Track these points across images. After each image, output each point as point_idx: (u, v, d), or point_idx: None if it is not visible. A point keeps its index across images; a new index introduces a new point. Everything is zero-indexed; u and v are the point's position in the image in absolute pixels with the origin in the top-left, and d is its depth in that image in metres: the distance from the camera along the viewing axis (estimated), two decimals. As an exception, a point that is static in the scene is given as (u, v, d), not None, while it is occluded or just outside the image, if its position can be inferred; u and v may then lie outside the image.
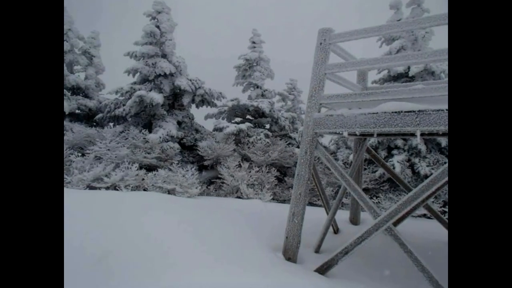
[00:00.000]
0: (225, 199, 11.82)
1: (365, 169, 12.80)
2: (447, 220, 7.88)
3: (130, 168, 11.45)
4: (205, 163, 15.06)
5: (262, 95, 18.38)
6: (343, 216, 9.77)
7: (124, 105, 15.55)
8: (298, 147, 16.76)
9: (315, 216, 8.96)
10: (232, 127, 15.50)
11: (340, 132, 6.44)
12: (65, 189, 9.32)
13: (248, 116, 18.35)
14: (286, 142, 16.82)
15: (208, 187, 13.89)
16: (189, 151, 16.23)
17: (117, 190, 10.80)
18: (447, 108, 4.69)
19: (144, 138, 13.61)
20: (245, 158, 15.28)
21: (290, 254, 6.46)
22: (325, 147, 15.19)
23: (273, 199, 13.38)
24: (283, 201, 13.70)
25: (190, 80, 15.84)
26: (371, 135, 7.76)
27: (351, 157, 12.62)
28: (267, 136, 16.44)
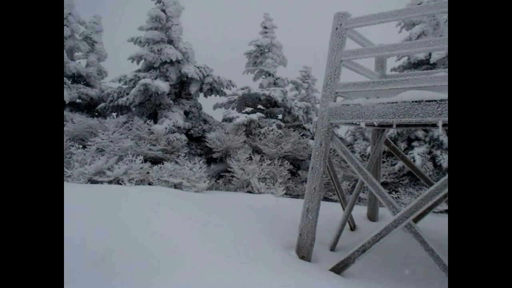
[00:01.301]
0: (235, 193, 11.87)
1: (383, 162, 12.71)
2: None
3: (134, 161, 11.52)
4: (214, 155, 15.08)
5: (274, 84, 18.27)
6: (360, 212, 9.73)
7: (127, 94, 15.59)
8: (312, 138, 16.68)
9: (331, 212, 8.93)
10: (242, 118, 15.45)
11: (357, 123, 6.39)
12: (65, 183, 9.43)
13: (259, 106, 18.29)
14: (300, 133, 16.74)
15: (217, 181, 13.92)
16: (196, 143, 16.25)
17: (121, 184, 10.89)
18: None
19: (149, 129, 13.66)
20: (256, 151, 15.26)
21: (304, 252, 6.47)
22: (341, 138, 15.11)
23: (286, 193, 13.35)
24: (297, 196, 13.69)
25: (198, 67, 15.81)
26: (390, 126, 7.69)
27: (368, 149, 12.54)
28: (279, 127, 16.37)
